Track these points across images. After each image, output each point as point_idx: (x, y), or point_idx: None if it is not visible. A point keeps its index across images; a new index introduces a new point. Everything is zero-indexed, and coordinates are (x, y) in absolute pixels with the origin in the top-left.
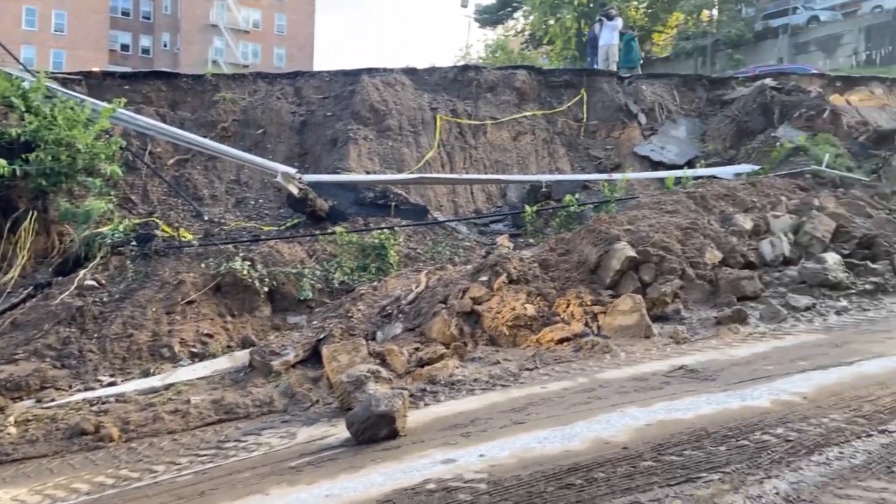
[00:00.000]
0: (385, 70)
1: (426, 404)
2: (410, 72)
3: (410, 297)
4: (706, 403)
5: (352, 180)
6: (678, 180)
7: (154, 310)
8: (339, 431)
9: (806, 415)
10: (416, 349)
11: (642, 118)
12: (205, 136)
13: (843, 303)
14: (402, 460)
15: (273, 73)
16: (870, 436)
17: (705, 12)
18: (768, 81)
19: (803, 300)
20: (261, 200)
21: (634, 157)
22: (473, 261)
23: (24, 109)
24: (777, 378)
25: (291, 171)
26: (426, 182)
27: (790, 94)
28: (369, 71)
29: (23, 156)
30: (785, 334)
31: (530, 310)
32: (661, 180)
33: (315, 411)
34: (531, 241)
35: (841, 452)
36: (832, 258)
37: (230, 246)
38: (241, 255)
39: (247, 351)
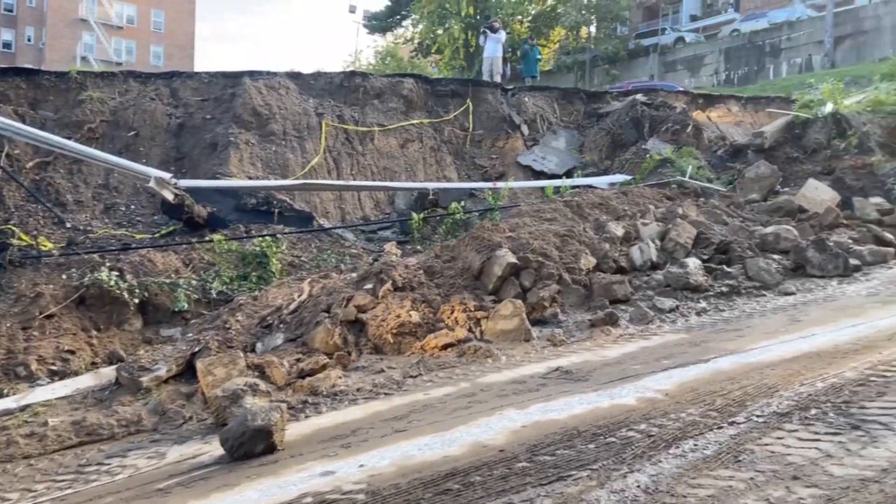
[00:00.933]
0: (268, 73)
1: (307, 416)
2: (295, 76)
3: (292, 306)
4: (579, 403)
5: (232, 186)
6: (557, 189)
7: (8, 325)
8: (214, 449)
9: (666, 410)
10: (298, 360)
11: (525, 129)
12: (69, 138)
13: (703, 304)
14: (279, 475)
15: (146, 73)
16: (720, 427)
17: (584, 29)
18: (639, 97)
19: (668, 302)
20: (133, 207)
21: (517, 167)
22: (360, 268)
23: None
24: (643, 377)
25: (166, 175)
26: (311, 188)
27: (658, 109)
28: (251, 74)
29: None
30: (652, 335)
31: (415, 317)
32: (542, 189)
33: (188, 429)
34: (419, 248)
35: (695, 444)
36: (693, 263)
37: (96, 255)
38: (108, 264)
39: (113, 367)
